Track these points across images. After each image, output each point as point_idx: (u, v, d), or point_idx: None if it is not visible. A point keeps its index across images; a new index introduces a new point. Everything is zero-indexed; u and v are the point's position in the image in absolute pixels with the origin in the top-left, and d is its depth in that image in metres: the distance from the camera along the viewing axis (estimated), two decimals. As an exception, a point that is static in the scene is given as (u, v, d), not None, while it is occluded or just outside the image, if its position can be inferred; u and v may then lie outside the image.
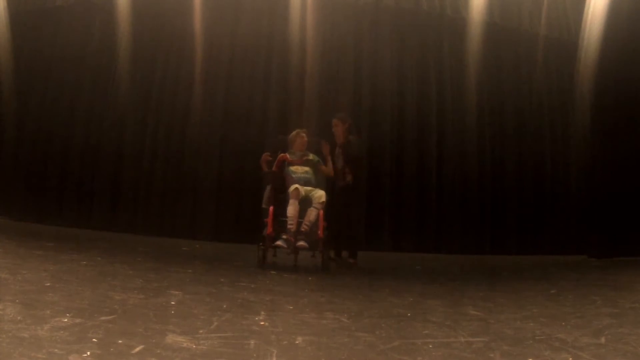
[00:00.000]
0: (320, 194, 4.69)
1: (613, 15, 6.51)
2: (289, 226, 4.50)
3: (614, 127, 6.72)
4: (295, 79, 7.37)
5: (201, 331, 2.03)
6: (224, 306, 2.63)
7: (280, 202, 4.71)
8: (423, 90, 7.74)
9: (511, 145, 7.88)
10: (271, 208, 4.67)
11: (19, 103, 7.74)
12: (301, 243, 4.46)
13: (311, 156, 5.15)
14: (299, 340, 2.01)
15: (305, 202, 4.66)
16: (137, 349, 1.71)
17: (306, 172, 4.96)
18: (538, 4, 7.81)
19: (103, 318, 2.09)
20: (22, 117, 7.76)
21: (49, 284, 2.74)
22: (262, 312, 2.52)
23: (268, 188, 4.99)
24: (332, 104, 7.16)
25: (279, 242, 4.52)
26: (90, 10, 7.75)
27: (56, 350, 1.62)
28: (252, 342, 1.93)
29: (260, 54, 7.57)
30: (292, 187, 4.68)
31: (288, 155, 5.04)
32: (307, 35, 7.31)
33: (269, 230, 4.58)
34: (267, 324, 2.26)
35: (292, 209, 4.54)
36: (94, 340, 1.77)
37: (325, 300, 3.03)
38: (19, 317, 1.94)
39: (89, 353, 1.62)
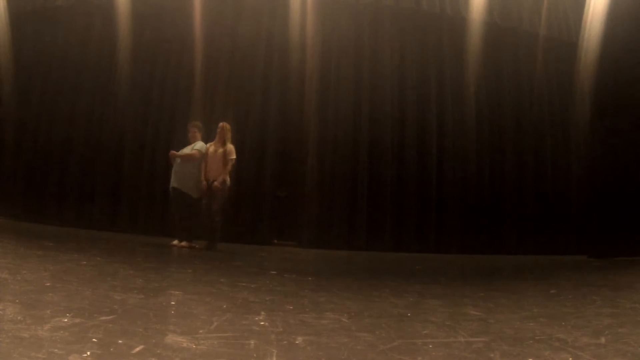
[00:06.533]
0: None
1: (613, 15, 6.51)
2: None
3: (614, 127, 6.71)
4: (295, 79, 7.37)
5: (201, 331, 2.03)
6: (224, 306, 2.63)
7: None
8: (423, 89, 7.74)
9: (511, 145, 7.88)
10: None
11: (19, 103, 7.74)
12: None
13: None
14: (299, 340, 2.01)
15: None
16: (137, 349, 1.71)
17: None
18: (538, 4, 7.81)
19: (103, 318, 2.09)
20: (22, 116, 7.75)
21: (49, 284, 2.74)
22: (262, 312, 2.52)
23: None
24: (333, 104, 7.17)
25: None
26: (90, 10, 7.75)
27: (56, 350, 1.61)
28: (252, 342, 1.93)
29: (260, 54, 7.57)
30: None
31: None
32: (307, 35, 7.31)
33: None
34: (267, 324, 2.25)
35: None
36: (94, 340, 1.76)
37: (325, 300, 3.02)
38: (19, 317, 1.94)
39: (89, 353, 1.62)
